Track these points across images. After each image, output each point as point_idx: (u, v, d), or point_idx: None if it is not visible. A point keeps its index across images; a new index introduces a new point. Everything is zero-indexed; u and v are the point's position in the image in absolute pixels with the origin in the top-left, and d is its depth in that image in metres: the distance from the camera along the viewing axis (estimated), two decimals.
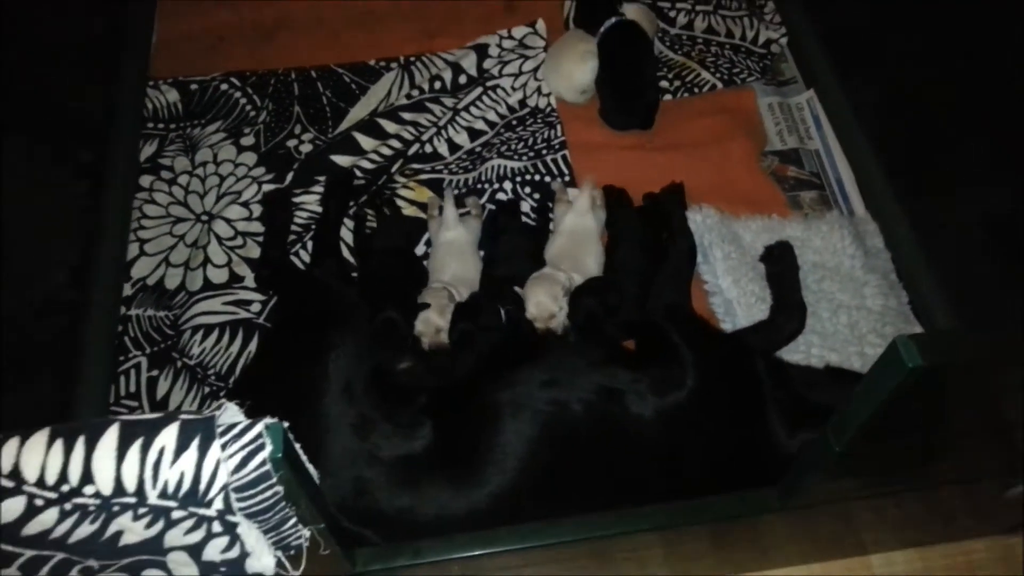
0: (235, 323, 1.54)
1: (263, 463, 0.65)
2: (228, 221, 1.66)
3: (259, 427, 0.65)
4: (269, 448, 0.65)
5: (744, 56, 1.90)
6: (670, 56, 1.91)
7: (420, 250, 1.63)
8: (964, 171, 1.47)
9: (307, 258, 1.61)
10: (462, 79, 1.87)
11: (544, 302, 1.42)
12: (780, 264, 1.53)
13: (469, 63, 1.88)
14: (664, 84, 1.85)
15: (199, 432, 0.64)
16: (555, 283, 1.44)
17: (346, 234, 1.64)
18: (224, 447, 0.64)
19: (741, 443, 1.25)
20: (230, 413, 0.66)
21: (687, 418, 1.24)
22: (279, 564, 0.76)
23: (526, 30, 1.94)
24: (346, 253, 1.61)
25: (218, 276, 1.60)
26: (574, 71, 1.77)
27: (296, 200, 1.67)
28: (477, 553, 1.00)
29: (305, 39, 1.97)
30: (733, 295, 1.52)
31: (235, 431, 0.65)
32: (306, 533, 0.78)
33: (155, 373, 1.51)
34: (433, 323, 1.38)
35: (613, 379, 1.27)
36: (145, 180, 1.73)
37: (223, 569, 0.71)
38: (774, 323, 1.47)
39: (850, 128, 1.74)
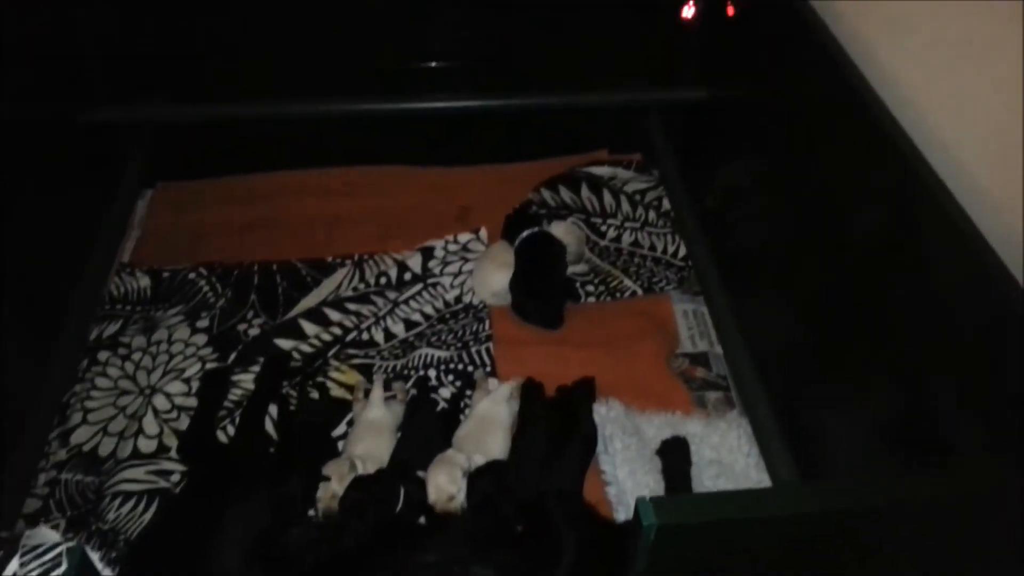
0: (152, 492, 1.61)
1: None
2: (168, 395, 1.78)
3: (60, 548, 0.74)
4: (64, 567, 0.73)
5: (664, 267, 2.09)
6: (597, 264, 2.10)
7: (341, 430, 1.73)
8: (835, 397, 1.56)
9: (233, 433, 1.71)
10: (407, 276, 2.06)
11: (443, 485, 1.51)
12: (674, 458, 1.61)
13: (415, 263, 2.08)
14: (590, 288, 2.03)
15: (4, 548, 0.73)
16: (454, 466, 1.53)
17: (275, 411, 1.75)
18: (23, 564, 0.73)
19: None
20: (40, 534, 0.75)
21: None
22: None
23: (470, 236, 2.15)
24: (271, 429, 1.71)
25: (147, 446, 1.69)
26: (490, 276, 1.97)
27: (234, 378, 1.81)
28: None
29: (274, 235, 2.20)
30: (628, 486, 1.58)
31: (38, 550, 0.74)
32: None
33: (70, 535, 1.57)
34: (330, 489, 1.46)
35: (494, 561, 1.32)
36: (103, 355, 1.88)
37: None
38: None
39: (734, 339, 1.87)
